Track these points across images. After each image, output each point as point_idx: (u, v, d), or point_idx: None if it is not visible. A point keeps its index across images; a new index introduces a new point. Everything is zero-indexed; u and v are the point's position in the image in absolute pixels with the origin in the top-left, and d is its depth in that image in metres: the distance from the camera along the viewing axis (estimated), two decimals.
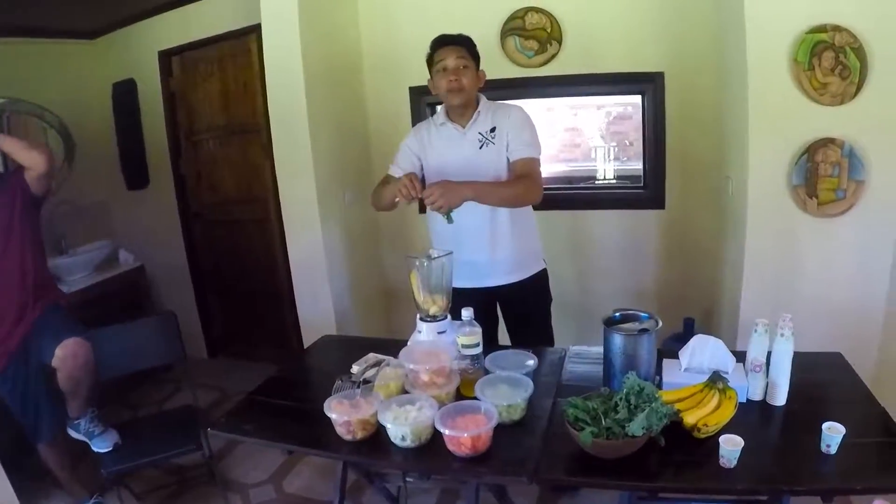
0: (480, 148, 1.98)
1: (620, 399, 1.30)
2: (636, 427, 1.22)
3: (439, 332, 1.66)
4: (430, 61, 1.98)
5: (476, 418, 1.35)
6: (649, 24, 2.69)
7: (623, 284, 3.01)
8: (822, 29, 2.00)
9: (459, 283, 1.80)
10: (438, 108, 2.13)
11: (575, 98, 3.86)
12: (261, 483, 2.50)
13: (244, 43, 3.09)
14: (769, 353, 1.45)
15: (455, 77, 1.91)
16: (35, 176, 2.09)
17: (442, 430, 1.30)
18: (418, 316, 1.71)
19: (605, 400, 1.33)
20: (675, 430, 1.31)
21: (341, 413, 1.40)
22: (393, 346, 1.71)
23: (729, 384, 1.39)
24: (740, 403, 1.40)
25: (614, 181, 3.71)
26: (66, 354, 2.02)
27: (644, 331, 1.53)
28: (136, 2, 3.22)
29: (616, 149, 4.13)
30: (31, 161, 2.06)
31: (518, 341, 2.10)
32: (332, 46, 2.83)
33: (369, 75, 3.13)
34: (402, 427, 1.34)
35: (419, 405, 1.40)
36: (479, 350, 1.57)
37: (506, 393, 1.45)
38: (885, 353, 2.20)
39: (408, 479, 1.79)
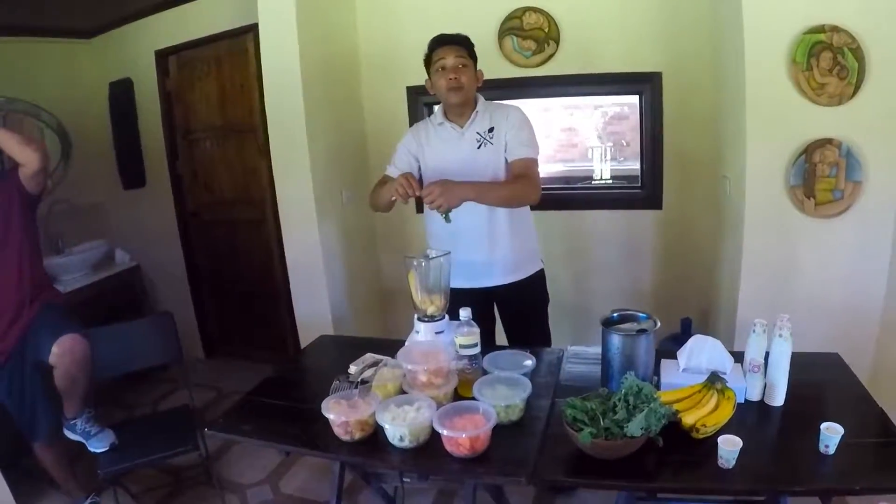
0: (478, 148, 1.98)
1: (619, 399, 1.30)
2: (634, 427, 1.22)
3: (437, 333, 1.66)
4: (429, 61, 1.98)
5: (474, 419, 1.35)
6: (647, 25, 2.69)
7: (620, 284, 3.01)
8: (820, 29, 2.00)
9: (457, 283, 1.79)
10: (436, 107, 2.12)
11: (572, 98, 3.86)
12: (257, 483, 2.50)
13: (241, 42, 3.07)
14: (767, 354, 1.45)
15: (454, 76, 1.91)
16: (29, 174, 2.06)
17: (440, 431, 1.30)
18: (416, 316, 1.70)
19: (604, 400, 1.33)
20: (674, 430, 1.31)
21: (339, 413, 1.39)
22: (390, 347, 1.71)
23: (727, 385, 1.39)
24: (738, 404, 1.41)
25: (611, 181, 3.72)
26: (64, 350, 2.00)
27: (642, 331, 1.53)
28: (132, 1, 3.21)
29: (613, 149, 4.14)
30: (25, 157, 2.03)
31: (515, 341, 2.10)
32: (329, 46, 2.82)
33: (366, 75, 3.12)
34: (400, 427, 1.34)
35: (417, 405, 1.40)
36: (477, 350, 1.57)
37: (504, 393, 1.45)
38: (883, 354, 2.21)
39: (405, 479, 1.79)
